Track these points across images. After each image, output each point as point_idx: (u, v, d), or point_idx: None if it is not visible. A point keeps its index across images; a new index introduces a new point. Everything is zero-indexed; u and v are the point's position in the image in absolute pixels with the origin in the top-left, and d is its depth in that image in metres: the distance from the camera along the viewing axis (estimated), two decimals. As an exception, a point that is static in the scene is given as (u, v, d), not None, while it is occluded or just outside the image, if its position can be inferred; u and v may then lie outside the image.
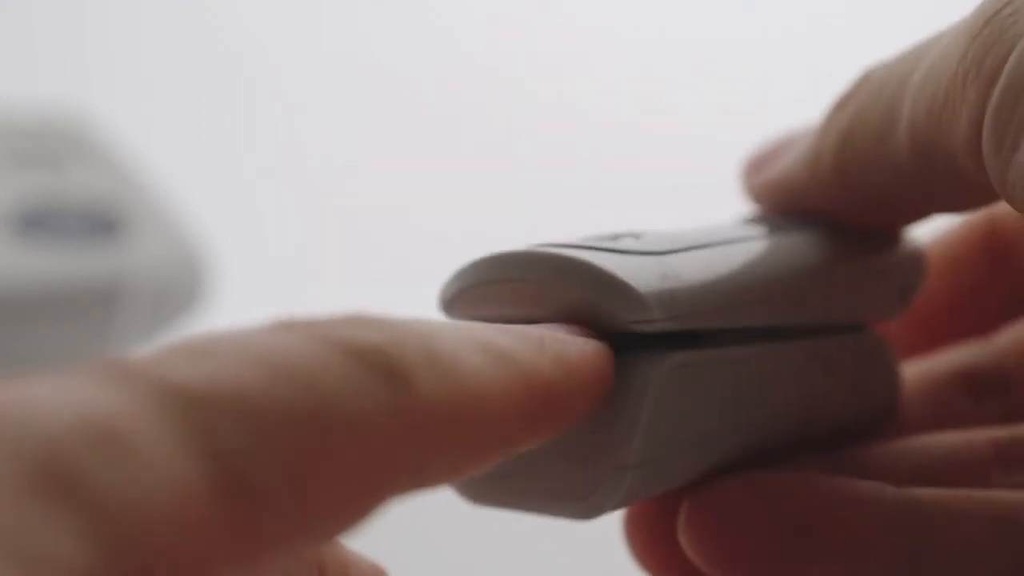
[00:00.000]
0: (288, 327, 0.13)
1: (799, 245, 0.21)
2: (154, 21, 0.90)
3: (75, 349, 0.64)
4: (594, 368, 0.17)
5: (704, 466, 0.19)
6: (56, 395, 0.11)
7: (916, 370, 0.24)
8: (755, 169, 0.23)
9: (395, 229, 0.84)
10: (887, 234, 0.23)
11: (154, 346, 0.12)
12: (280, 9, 0.92)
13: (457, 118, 0.95)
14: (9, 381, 0.11)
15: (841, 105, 0.21)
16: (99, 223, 0.65)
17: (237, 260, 0.74)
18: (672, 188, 0.97)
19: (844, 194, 0.22)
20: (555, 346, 0.16)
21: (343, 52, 0.93)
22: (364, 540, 0.15)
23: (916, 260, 0.23)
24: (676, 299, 0.18)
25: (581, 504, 0.18)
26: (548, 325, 0.17)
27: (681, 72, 1.02)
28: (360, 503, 0.13)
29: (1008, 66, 0.17)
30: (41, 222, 0.64)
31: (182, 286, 0.67)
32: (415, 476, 0.14)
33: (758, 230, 0.21)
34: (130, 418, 0.11)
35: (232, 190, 0.85)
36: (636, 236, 0.19)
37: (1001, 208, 0.21)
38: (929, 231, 0.25)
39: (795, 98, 1.04)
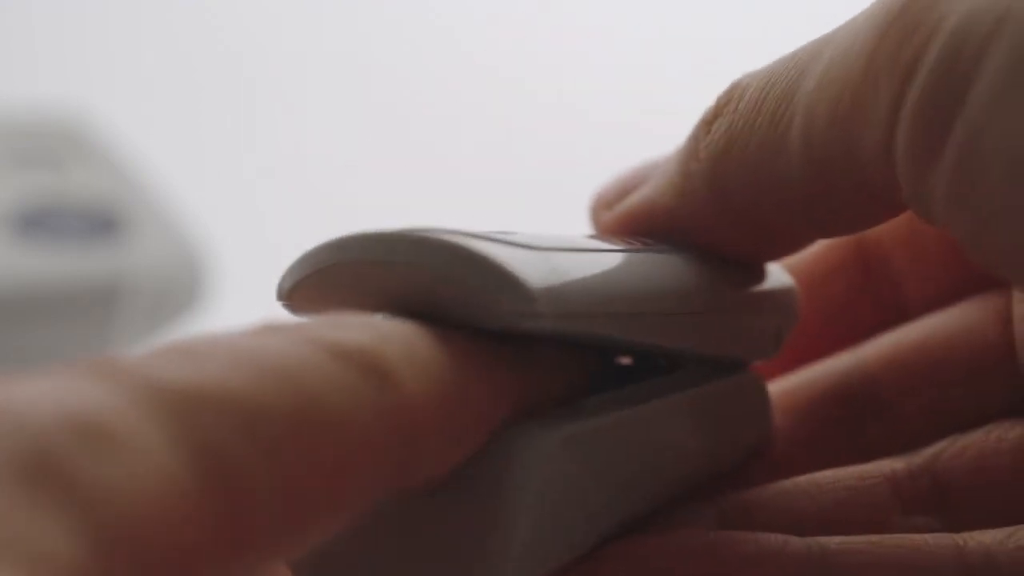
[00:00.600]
0: (274, 329, 0.13)
1: (686, 264, 0.19)
2: (154, 21, 0.90)
3: (75, 349, 0.64)
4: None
5: (588, 541, 0.17)
6: (45, 392, 0.11)
7: (784, 389, 0.22)
8: (607, 203, 0.21)
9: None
10: (761, 269, 0.21)
11: (145, 347, 0.12)
12: (280, 9, 0.93)
13: (457, 118, 0.95)
14: (1, 379, 0.11)
15: (710, 121, 0.19)
16: (99, 223, 0.65)
17: (237, 260, 0.74)
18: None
19: (721, 219, 0.19)
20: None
21: (343, 52, 0.93)
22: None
23: (792, 299, 0.22)
24: (563, 296, 0.16)
25: None
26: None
27: (681, 72, 1.02)
28: (345, 500, 0.13)
29: (928, 56, 0.15)
30: (41, 222, 0.64)
31: (182, 286, 0.67)
32: (400, 472, 0.14)
33: (638, 246, 0.19)
34: (118, 414, 0.11)
35: (232, 190, 0.85)
36: (509, 232, 0.17)
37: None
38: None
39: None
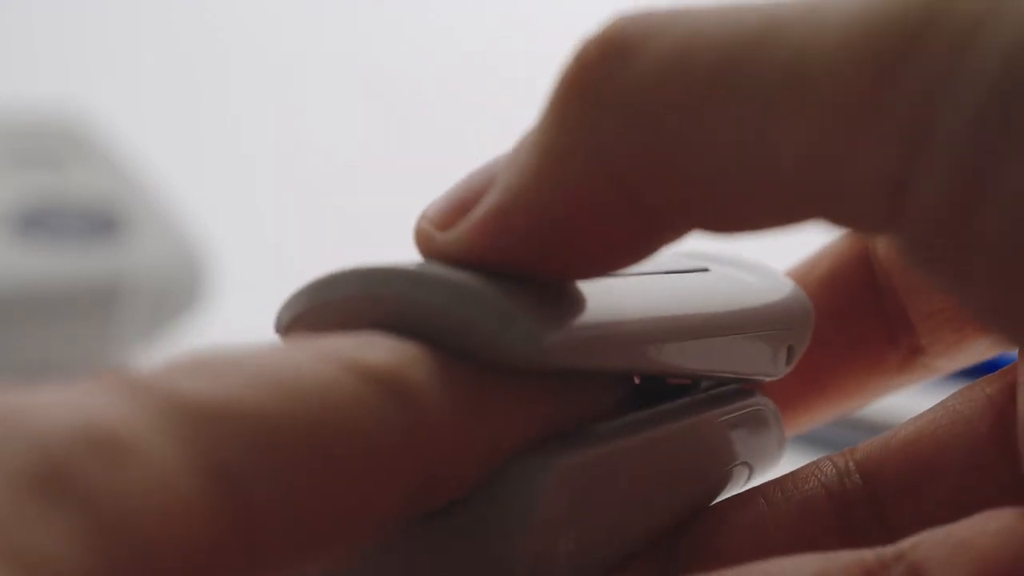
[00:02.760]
0: (298, 346, 0.13)
1: (696, 286, 0.19)
2: (154, 21, 0.90)
3: (75, 349, 0.64)
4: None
5: (594, 569, 0.17)
6: (61, 402, 0.11)
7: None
8: (442, 223, 0.17)
9: (395, 229, 0.84)
10: (774, 286, 0.20)
11: (161, 358, 0.12)
12: (280, 10, 0.92)
13: (457, 118, 0.95)
14: (15, 388, 0.11)
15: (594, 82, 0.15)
16: (99, 223, 0.65)
17: (237, 260, 0.74)
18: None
19: (602, 194, 0.15)
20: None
21: (343, 53, 0.93)
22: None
23: (806, 316, 0.21)
24: (569, 332, 0.15)
25: None
26: None
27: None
28: (359, 522, 0.13)
29: (975, 73, 0.12)
30: (41, 222, 0.64)
31: (182, 286, 0.67)
32: (415, 496, 0.14)
33: (650, 266, 0.18)
34: (131, 425, 0.11)
35: (232, 190, 0.85)
36: None
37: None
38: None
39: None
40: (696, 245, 0.22)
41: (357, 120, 0.92)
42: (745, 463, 0.21)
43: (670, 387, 0.20)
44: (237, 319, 0.52)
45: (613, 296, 0.17)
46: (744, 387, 0.21)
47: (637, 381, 0.19)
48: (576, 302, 0.16)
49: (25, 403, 0.11)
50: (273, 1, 0.93)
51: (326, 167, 0.91)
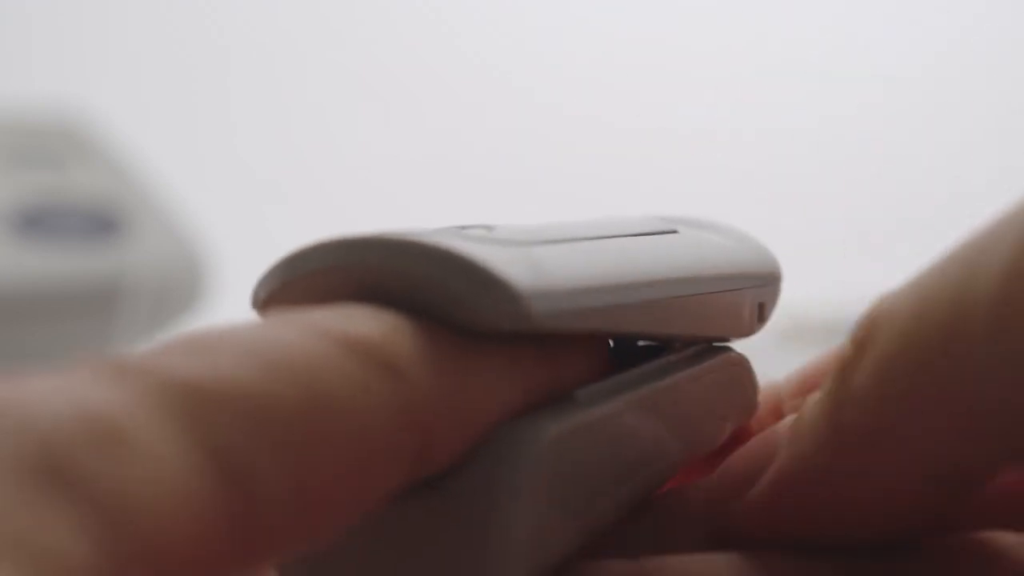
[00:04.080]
0: (285, 321, 0.13)
1: (670, 247, 0.19)
2: (154, 22, 0.90)
3: (75, 348, 0.64)
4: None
5: (582, 534, 0.17)
6: (56, 391, 0.11)
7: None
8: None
9: (395, 228, 0.84)
10: (743, 247, 0.21)
11: (153, 343, 0.12)
12: (281, 11, 0.93)
13: (457, 118, 0.95)
14: (9, 378, 0.11)
15: (851, 364, 0.17)
16: (99, 223, 0.65)
17: (237, 260, 0.74)
18: (679, 188, 0.97)
19: (887, 456, 0.17)
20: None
21: (343, 53, 0.93)
22: None
23: (775, 275, 0.22)
24: (550, 294, 0.15)
25: None
26: None
27: (681, 71, 1.02)
28: (357, 496, 0.13)
29: None
30: (41, 222, 0.64)
31: (182, 285, 0.67)
32: (413, 466, 0.14)
33: (622, 228, 0.19)
34: (129, 413, 0.11)
35: (232, 190, 0.85)
36: (487, 227, 0.17)
37: None
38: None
39: (796, 98, 1.04)
40: (662, 209, 0.23)
41: (357, 120, 0.92)
42: (726, 417, 0.21)
43: (643, 348, 0.20)
44: (237, 319, 0.52)
45: (593, 259, 0.17)
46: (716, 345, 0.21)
47: (611, 344, 0.20)
48: (558, 266, 0.16)
49: (20, 393, 0.11)
50: (273, 1, 0.93)
51: (326, 167, 0.91)
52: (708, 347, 0.21)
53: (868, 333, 0.16)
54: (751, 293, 0.21)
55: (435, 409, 0.14)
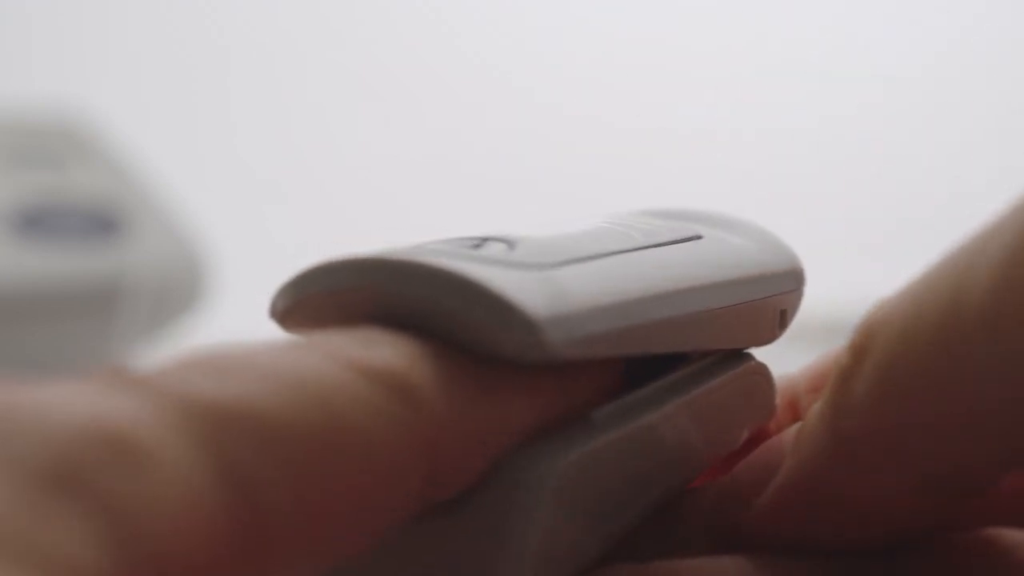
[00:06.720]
0: (304, 346, 0.13)
1: (693, 256, 0.19)
2: (154, 22, 0.90)
3: (75, 348, 0.64)
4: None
5: (597, 553, 0.17)
6: (75, 400, 0.11)
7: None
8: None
9: (395, 228, 0.84)
10: (767, 249, 0.20)
11: (166, 356, 0.12)
12: (281, 11, 0.93)
13: (457, 118, 0.95)
14: (27, 384, 0.11)
15: (848, 373, 0.17)
16: (99, 223, 0.65)
17: (237, 260, 0.74)
18: (676, 187, 0.97)
19: (887, 461, 0.17)
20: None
21: (343, 53, 0.93)
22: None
23: (798, 280, 0.21)
24: (569, 324, 0.15)
25: None
26: None
27: (681, 71, 1.02)
28: (369, 520, 0.13)
29: None
30: (41, 222, 0.64)
31: (182, 285, 0.67)
32: (425, 488, 0.14)
33: (646, 237, 0.18)
34: (146, 428, 0.11)
35: (232, 190, 0.85)
36: (508, 243, 0.16)
37: None
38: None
39: (798, 97, 1.04)
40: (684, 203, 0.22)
41: (357, 120, 0.92)
42: (744, 425, 0.21)
43: (660, 358, 0.20)
44: (237, 319, 0.52)
45: (612, 278, 0.17)
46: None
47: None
48: (579, 291, 0.16)
49: (37, 401, 0.11)
50: (273, 1, 0.93)
51: (326, 167, 0.91)
52: (727, 356, 0.21)
53: (865, 339, 0.16)
54: (774, 300, 0.21)
55: (449, 434, 0.14)
